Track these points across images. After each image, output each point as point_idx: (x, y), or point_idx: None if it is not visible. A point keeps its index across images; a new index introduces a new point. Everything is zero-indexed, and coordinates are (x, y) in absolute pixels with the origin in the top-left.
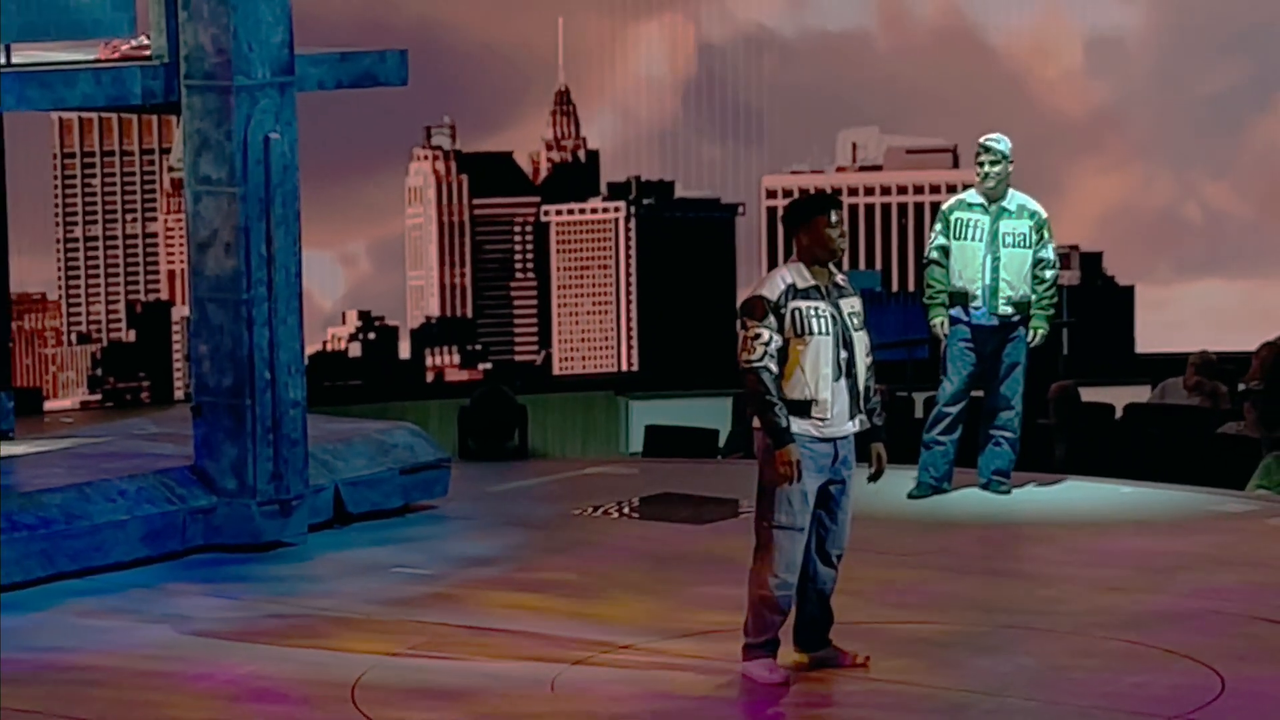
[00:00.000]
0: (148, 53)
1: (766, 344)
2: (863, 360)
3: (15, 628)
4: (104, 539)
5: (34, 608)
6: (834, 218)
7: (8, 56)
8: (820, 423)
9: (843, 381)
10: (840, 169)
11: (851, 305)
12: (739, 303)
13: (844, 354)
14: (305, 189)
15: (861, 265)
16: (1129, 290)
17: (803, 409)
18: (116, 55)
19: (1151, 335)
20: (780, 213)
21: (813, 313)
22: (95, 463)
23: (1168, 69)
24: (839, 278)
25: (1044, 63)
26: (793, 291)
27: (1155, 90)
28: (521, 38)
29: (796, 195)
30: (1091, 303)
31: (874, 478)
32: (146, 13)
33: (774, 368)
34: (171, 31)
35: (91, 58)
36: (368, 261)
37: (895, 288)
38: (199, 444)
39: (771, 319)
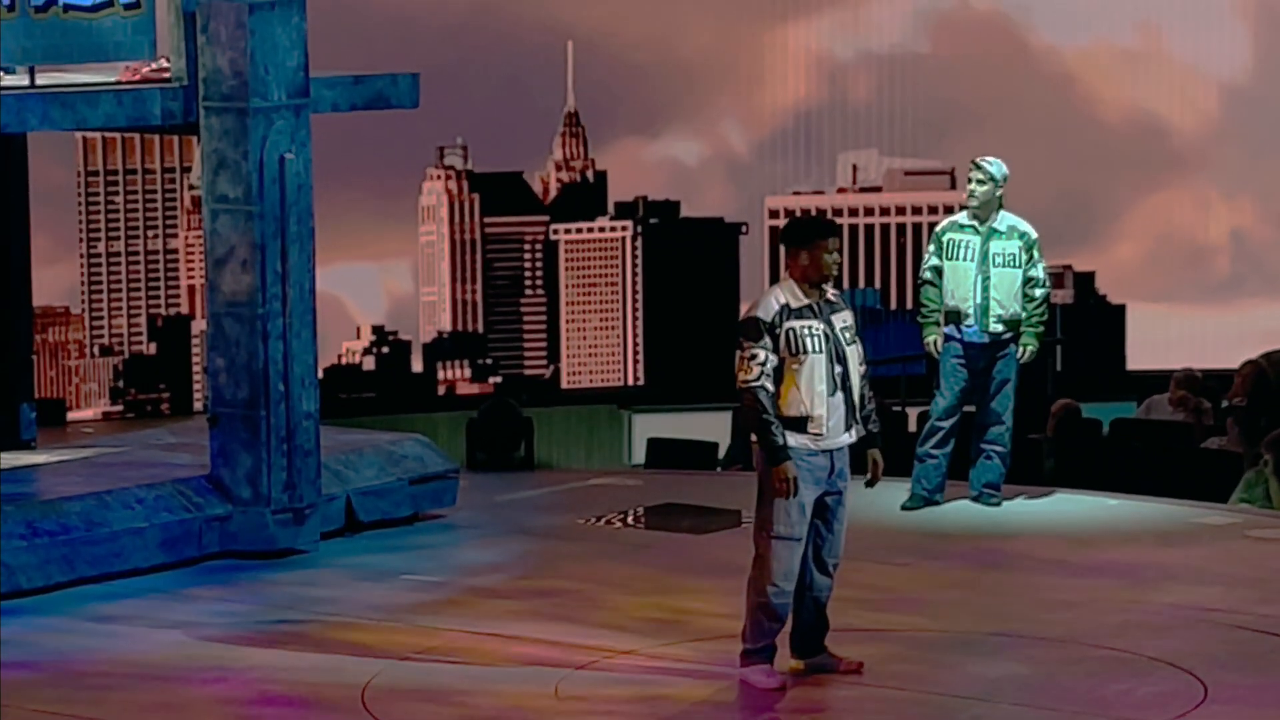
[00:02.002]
0: (167, 75)
1: (763, 364)
2: (856, 373)
3: (36, 631)
4: (123, 545)
5: (54, 612)
6: (833, 244)
7: (32, 78)
8: (817, 437)
9: (838, 396)
10: (841, 190)
11: (844, 320)
12: (738, 321)
13: (838, 369)
14: (362, 201)
15: (861, 284)
16: (1120, 309)
17: (799, 424)
18: (137, 78)
19: (1146, 354)
20: (781, 231)
21: (806, 331)
22: (115, 471)
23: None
24: (830, 294)
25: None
26: (787, 311)
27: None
28: (532, 61)
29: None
30: (1084, 321)
31: (871, 483)
32: (167, 37)
33: (770, 386)
34: (190, 55)
35: (113, 80)
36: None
37: (894, 305)
38: (215, 454)
39: (767, 339)
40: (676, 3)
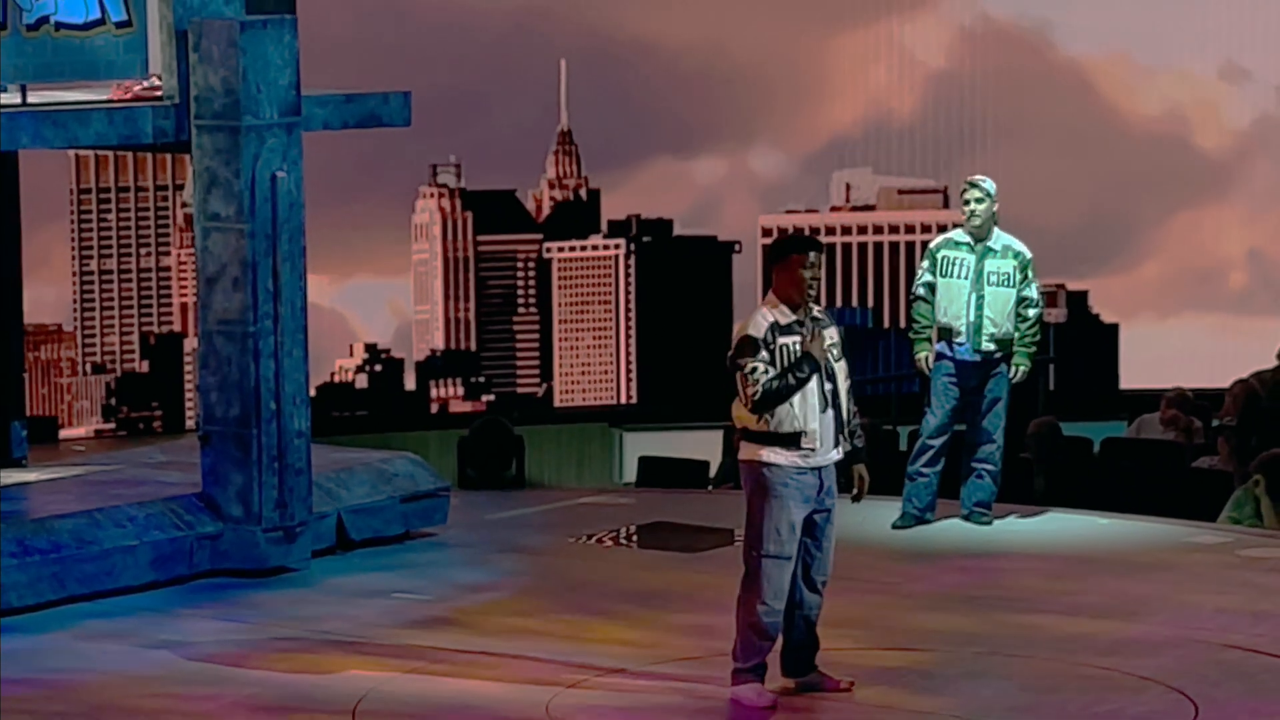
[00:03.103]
0: (159, 93)
1: (765, 373)
2: (844, 389)
3: (27, 649)
4: (114, 564)
5: (45, 630)
6: (812, 258)
7: (24, 97)
8: (808, 453)
9: (829, 412)
10: (834, 208)
11: (831, 336)
12: (733, 345)
13: (828, 386)
14: (368, 220)
15: (854, 302)
16: (1114, 328)
17: (792, 440)
18: (129, 96)
19: (1138, 372)
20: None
21: (797, 348)
22: (106, 490)
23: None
24: (816, 310)
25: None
26: (776, 329)
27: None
28: (525, 80)
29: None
30: (1077, 340)
31: (856, 498)
32: (159, 55)
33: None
34: (182, 73)
35: (105, 98)
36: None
37: (887, 324)
38: (206, 472)
39: (764, 353)
40: (715, 11)
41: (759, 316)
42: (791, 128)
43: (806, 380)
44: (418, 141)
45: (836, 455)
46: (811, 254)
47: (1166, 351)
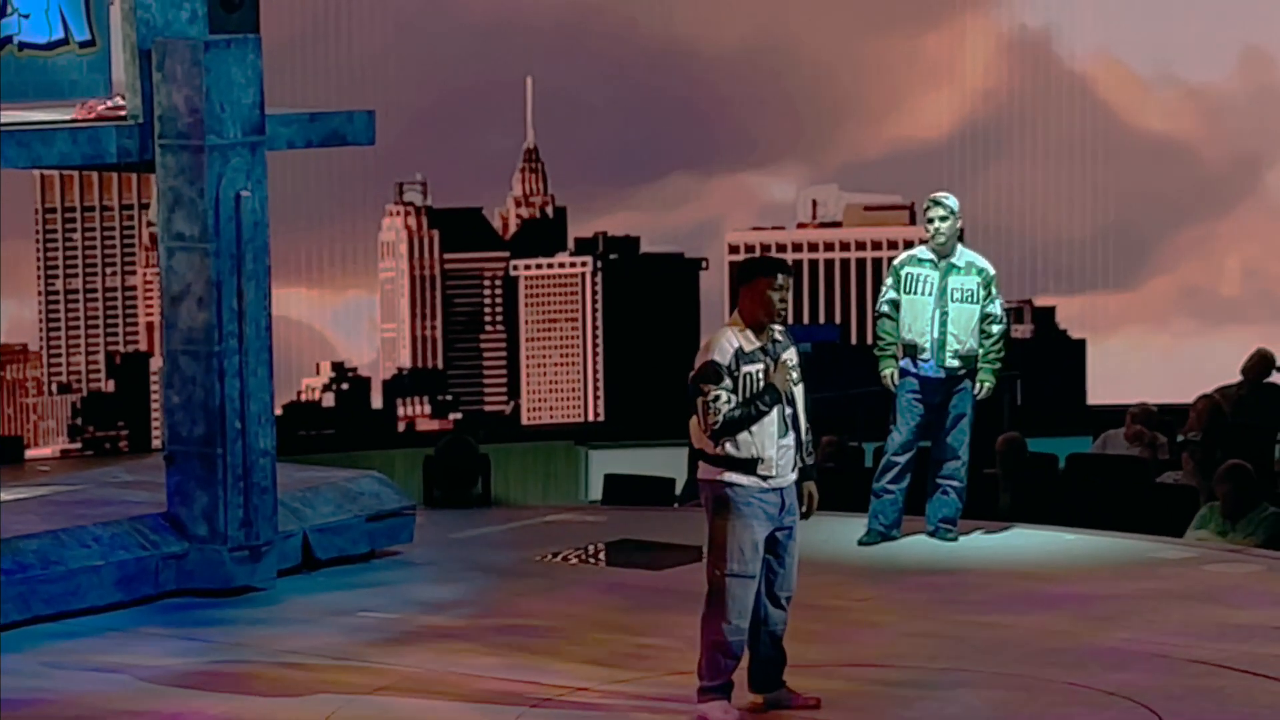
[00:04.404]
0: (123, 113)
1: (726, 403)
2: (803, 413)
3: None
4: (79, 584)
5: (10, 650)
6: (779, 280)
7: None
8: (767, 477)
9: (789, 437)
10: (801, 225)
11: (790, 358)
12: (695, 370)
13: (788, 411)
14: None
15: (821, 319)
16: (1081, 343)
17: (750, 466)
18: (93, 115)
19: (1105, 388)
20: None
21: (761, 376)
22: (70, 510)
23: None
24: (777, 332)
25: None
26: (741, 355)
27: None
28: (491, 96)
29: (758, 252)
30: (1044, 356)
31: (805, 515)
32: (122, 74)
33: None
34: (146, 92)
35: (68, 118)
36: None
37: (854, 341)
38: (171, 492)
39: (727, 380)
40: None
41: (724, 341)
42: (762, 144)
43: (768, 412)
44: (383, 159)
45: (794, 476)
46: (779, 276)
47: (1134, 366)
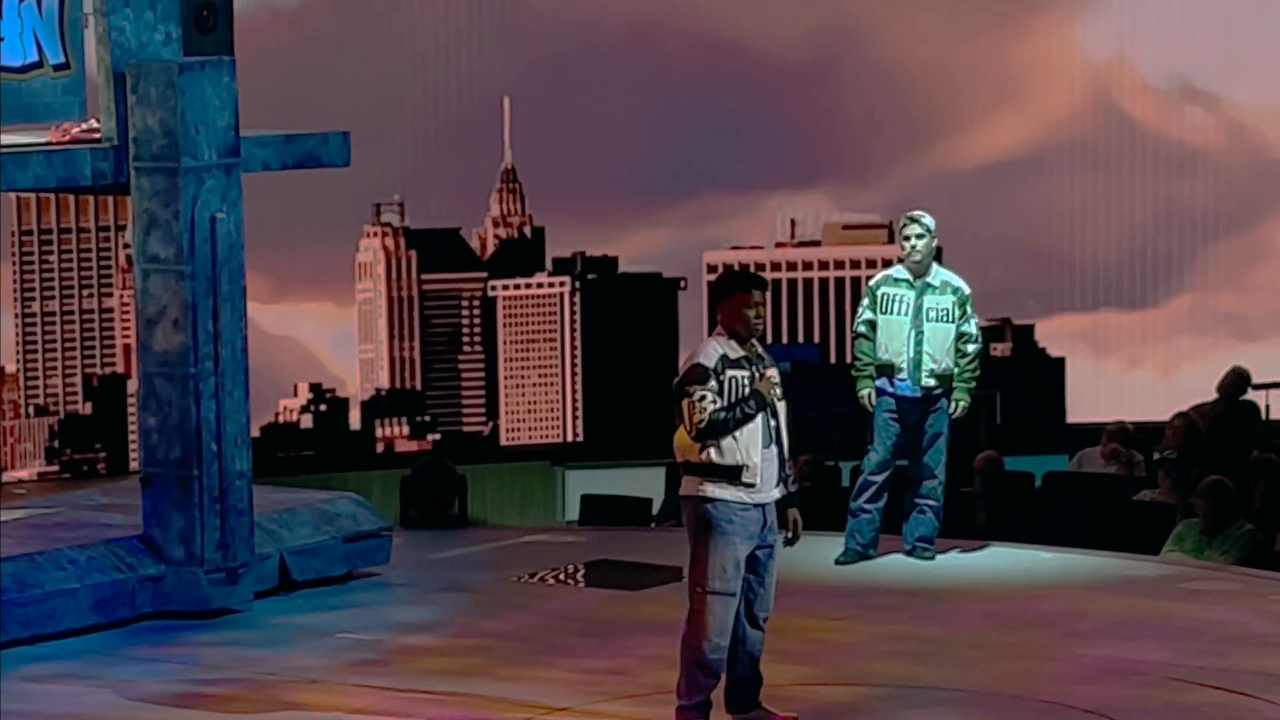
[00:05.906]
0: (98, 135)
1: (713, 403)
2: (785, 429)
3: None
4: (55, 607)
5: None
6: (756, 297)
7: None
8: (750, 488)
9: (773, 449)
10: (779, 244)
11: (774, 376)
12: (681, 372)
13: (773, 422)
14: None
15: (800, 338)
16: (1060, 361)
17: (734, 474)
18: (67, 138)
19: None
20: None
21: (746, 382)
22: (46, 533)
23: None
24: (759, 348)
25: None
26: (726, 361)
27: None
28: (469, 117)
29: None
30: (1023, 374)
31: (791, 541)
32: (97, 97)
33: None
34: (121, 115)
35: (43, 141)
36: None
37: (834, 360)
38: (148, 514)
39: (713, 382)
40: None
41: (710, 347)
42: (741, 163)
43: (753, 416)
44: (360, 180)
45: (777, 493)
46: (756, 292)
47: (1114, 385)
